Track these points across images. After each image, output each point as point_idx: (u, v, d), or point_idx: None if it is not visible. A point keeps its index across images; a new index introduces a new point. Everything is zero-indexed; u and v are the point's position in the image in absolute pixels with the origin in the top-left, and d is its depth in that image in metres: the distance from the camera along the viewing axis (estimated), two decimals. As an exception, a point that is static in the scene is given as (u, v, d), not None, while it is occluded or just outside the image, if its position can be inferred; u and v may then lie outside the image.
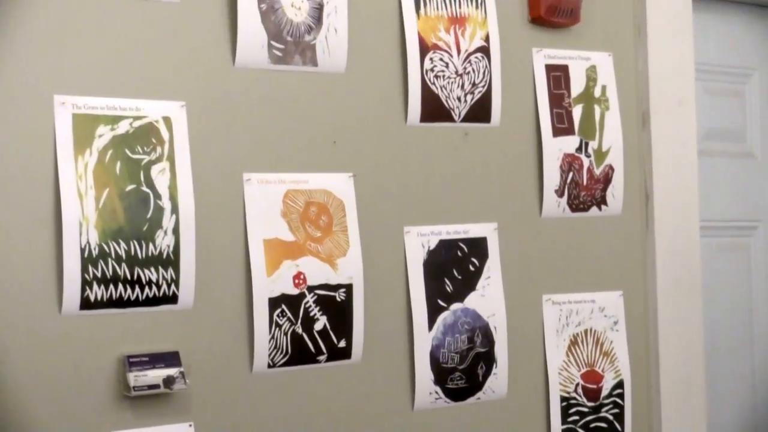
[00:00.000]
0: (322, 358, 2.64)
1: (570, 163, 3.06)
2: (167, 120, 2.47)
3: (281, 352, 2.58)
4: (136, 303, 2.41)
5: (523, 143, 3.01)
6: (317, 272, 2.64)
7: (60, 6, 2.36)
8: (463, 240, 2.88)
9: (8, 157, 2.30)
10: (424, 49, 2.83)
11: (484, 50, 2.92)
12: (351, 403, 2.69)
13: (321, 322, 2.63)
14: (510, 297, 2.94)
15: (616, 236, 3.17)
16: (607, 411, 3.08)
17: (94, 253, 2.36)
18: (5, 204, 2.29)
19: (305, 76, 2.66)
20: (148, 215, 2.43)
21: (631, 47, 3.23)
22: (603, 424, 3.07)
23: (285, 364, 2.59)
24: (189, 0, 2.51)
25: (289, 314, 2.59)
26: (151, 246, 2.42)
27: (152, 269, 2.42)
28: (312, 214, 2.65)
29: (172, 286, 2.45)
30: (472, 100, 2.90)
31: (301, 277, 2.61)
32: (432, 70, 2.83)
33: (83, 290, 2.35)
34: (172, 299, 2.45)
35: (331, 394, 2.66)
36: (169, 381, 2.41)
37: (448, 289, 2.84)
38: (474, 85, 2.90)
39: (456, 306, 2.85)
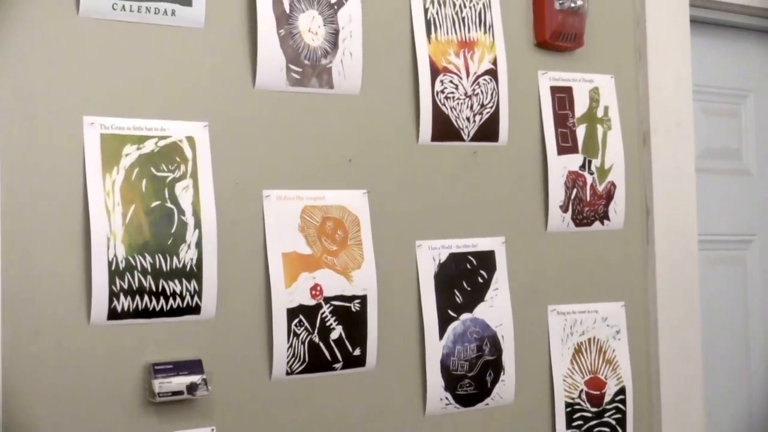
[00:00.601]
0: (337, 365, 2.63)
1: (574, 180, 3.06)
2: (190, 139, 2.47)
3: (299, 360, 2.58)
4: (161, 313, 2.41)
5: (529, 161, 3.01)
6: (333, 284, 2.63)
7: (89, 32, 2.37)
8: (472, 253, 2.87)
9: (40, 174, 2.30)
10: (435, 71, 2.83)
11: (492, 73, 2.92)
12: (365, 409, 2.69)
13: (337, 332, 2.63)
14: (517, 307, 2.93)
15: (618, 249, 3.16)
16: (609, 416, 3.07)
17: (121, 266, 2.36)
18: (37, 219, 2.29)
19: (322, 97, 2.66)
20: (173, 230, 2.43)
21: (631, 70, 3.22)
22: (606, 429, 3.06)
23: (302, 372, 2.58)
24: (211, 26, 2.51)
25: (306, 324, 2.58)
26: (175, 259, 2.42)
27: (176, 281, 2.42)
28: (328, 228, 2.64)
29: (195, 298, 2.44)
30: (480, 120, 2.90)
31: (318, 288, 2.61)
32: (442, 91, 2.83)
33: (111, 301, 2.34)
34: (195, 310, 2.45)
35: (347, 400, 2.66)
36: (192, 388, 2.40)
37: (458, 300, 2.84)
38: (482, 106, 2.90)
39: (465, 316, 2.85)
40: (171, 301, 2.41)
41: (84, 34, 2.37)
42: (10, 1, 2.27)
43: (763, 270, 3.68)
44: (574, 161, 3.06)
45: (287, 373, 2.57)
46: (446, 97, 2.84)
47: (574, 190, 3.06)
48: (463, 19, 2.89)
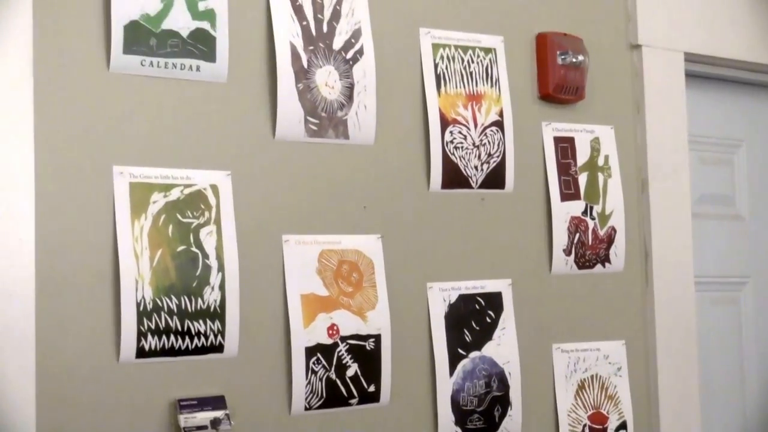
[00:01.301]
0: (353, 401, 2.62)
1: (576, 225, 3.05)
2: (214, 187, 2.47)
3: (317, 396, 2.57)
4: (186, 352, 2.40)
5: (534, 207, 3.00)
6: (349, 324, 2.62)
7: (119, 87, 2.38)
8: (481, 294, 2.87)
9: (72, 221, 2.30)
10: (445, 123, 2.83)
11: (499, 124, 2.92)
12: (380, 442, 2.68)
13: (352, 369, 2.62)
14: (523, 346, 2.92)
15: (618, 291, 3.15)
16: (612, 449, 3.07)
17: (149, 307, 2.35)
18: (70, 263, 2.29)
19: (338, 147, 2.66)
20: (197, 273, 2.42)
21: (630, 121, 3.23)
22: (608, 461, 3.06)
23: (320, 407, 2.57)
24: (234, 81, 2.52)
25: (323, 362, 2.58)
26: (199, 301, 2.42)
27: (201, 321, 2.41)
28: (344, 271, 2.64)
29: (219, 337, 2.44)
30: (488, 168, 2.90)
31: (335, 328, 2.60)
32: (452, 141, 2.83)
33: (139, 340, 2.34)
34: (219, 348, 2.44)
35: (362, 434, 2.66)
36: (215, 422, 2.39)
37: (467, 338, 2.83)
38: (490, 155, 2.90)
39: (474, 354, 2.84)
40: (196, 340, 2.41)
41: (114, 88, 2.38)
42: (47, 58, 2.28)
43: (757, 310, 3.67)
44: (576, 207, 3.06)
45: (306, 409, 2.55)
46: (455, 147, 2.84)
47: (577, 235, 3.05)
48: (471, 73, 2.90)
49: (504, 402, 2.87)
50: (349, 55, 2.69)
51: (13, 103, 2.22)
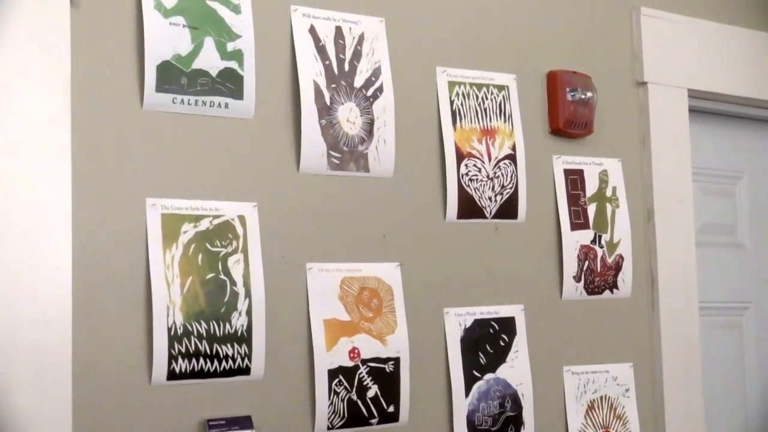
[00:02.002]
0: (373, 421, 2.61)
1: (586, 253, 3.04)
2: (241, 218, 2.47)
3: (339, 416, 2.55)
4: (215, 374, 2.39)
5: (545, 236, 2.99)
6: (369, 347, 2.61)
7: (152, 124, 2.38)
8: (495, 319, 2.85)
9: (107, 250, 2.30)
10: (460, 156, 2.83)
11: (511, 157, 2.92)
12: (399, 460, 2.67)
13: (373, 390, 2.61)
14: (535, 368, 2.90)
15: (626, 315, 3.14)
16: (620, 467, 3.05)
17: (180, 331, 2.35)
18: (105, 290, 2.29)
19: (359, 180, 2.66)
20: (225, 299, 2.42)
21: (637, 154, 3.22)
22: (617, 479, 3.04)
23: (342, 427, 2.56)
24: (260, 117, 2.52)
25: (345, 383, 2.57)
26: (227, 325, 2.41)
27: (229, 345, 2.41)
28: (365, 297, 2.63)
29: (246, 360, 2.43)
30: (501, 199, 2.89)
31: (356, 351, 2.59)
32: (467, 174, 2.83)
33: (170, 363, 2.33)
34: (246, 371, 2.43)
35: (382, 453, 2.64)
36: (242, 441, 2.40)
37: (482, 361, 2.82)
38: (503, 187, 2.89)
39: (489, 376, 2.82)
40: (224, 363, 2.40)
41: (148, 125, 2.38)
42: (85, 96, 2.29)
43: (758, 334, 3.65)
44: (585, 236, 3.05)
45: (328, 428, 2.54)
46: (470, 179, 2.83)
47: (586, 262, 3.04)
48: (485, 109, 2.89)
49: (517, 422, 2.85)
50: (370, 92, 2.69)
51: (52, 139, 2.23)
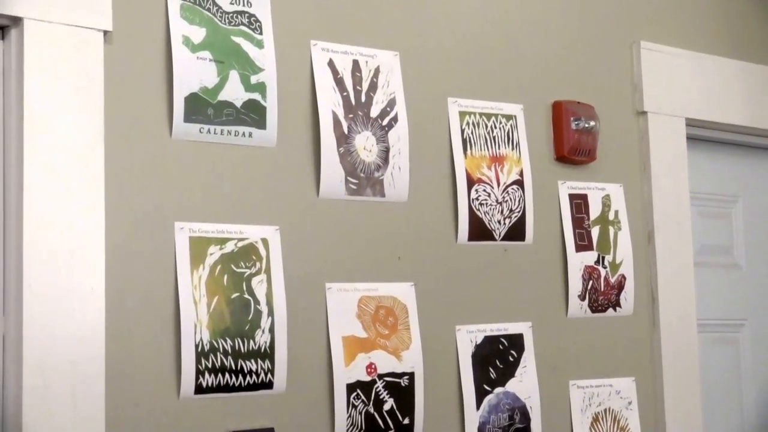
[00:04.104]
0: (389, 432, 2.61)
1: (590, 273, 3.04)
2: (265, 241, 2.47)
3: (357, 428, 2.55)
4: (240, 388, 2.39)
5: (551, 257, 2.99)
6: (386, 363, 2.61)
7: (180, 152, 2.39)
8: (504, 336, 2.85)
9: (138, 271, 2.31)
10: (471, 182, 2.82)
11: (519, 183, 2.92)
12: (414, 470, 2.66)
13: (389, 404, 2.60)
14: (542, 382, 2.89)
15: (628, 332, 3.13)
16: (623, 476, 3.04)
17: (206, 348, 2.35)
18: (136, 309, 2.29)
19: (375, 204, 2.66)
20: (249, 317, 2.42)
21: (637, 180, 3.21)
22: (621, 487, 3.03)
23: (360, 438, 2.56)
24: (282, 145, 2.53)
25: (363, 397, 2.56)
26: (251, 342, 2.41)
27: (252, 361, 2.40)
28: (381, 315, 2.63)
29: (269, 375, 2.43)
30: (509, 222, 2.89)
31: (373, 366, 2.59)
32: (477, 199, 2.83)
33: (197, 378, 2.33)
34: (269, 385, 2.43)
35: (398, 463, 2.63)
36: (266, 452, 2.39)
37: (492, 375, 2.81)
38: (511, 210, 2.89)
39: (499, 390, 2.81)
40: (248, 377, 2.40)
41: (176, 153, 2.38)
42: (116, 126, 2.30)
43: (754, 350, 3.64)
44: (589, 257, 3.05)
45: (347, 440, 2.55)
46: (480, 204, 2.83)
47: (590, 282, 3.04)
48: (494, 138, 2.89)
49: (525, 433, 2.85)
50: (385, 121, 2.69)
51: (86, 167, 2.23)
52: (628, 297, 3.12)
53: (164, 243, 2.35)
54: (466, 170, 2.83)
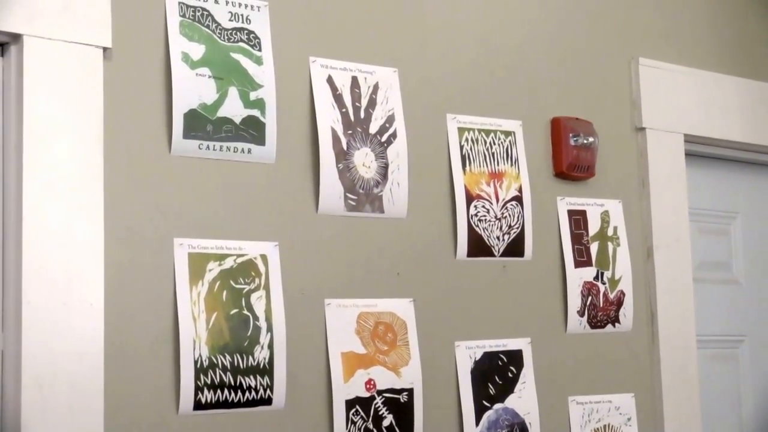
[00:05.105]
0: (389, 449, 2.60)
1: (589, 289, 3.03)
2: (264, 257, 2.46)
3: (356, 444, 2.55)
4: (239, 404, 2.38)
5: (550, 273, 2.98)
6: (385, 379, 2.60)
7: (179, 168, 2.38)
8: (503, 352, 2.84)
9: (137, 287, 2.30)
10: (470, 198, 2.82)
11: (518, 199, 2.91)
12: (413, 486, 2.65)
13: (388, 420, 2.59)
14: (542, 398, 2.88)
15: (627, 348, 3.12)
16: (623, 492, 3.03)
17: (205, 364, 2.34)
18: (135, 325, 2.29)
19: (374, 220, 2.65)
20: (248, 333, 2.41)
21: (636, 196, 3.21)
22: (620, 503, 3.02)
23: (359, 454, 2.55)
24: (281, 162, 2.52)
25: (362, 413, 2.55)
26: (250, 358, 2.40)
27: (251, 377, 2.40)
28: (380, 331, 2.62)
29: (268, 391, 2.42)
30: (508, 238, 2.88)
31: (372, 383, 2.58)
32: (476, 215, 2.82)
33: (196, 394, 2.32)
34: (268, 401, 2.42)
35: (397, 479, 2.62)
36: (264, 468, 2.38)
37: (491, 392, 2.80)
38: (510, 227, 2.89)
39: (498, 406, 2.80)
40: (247, 393, 2.39)
41: (175, 169, 2.38)
42: (116, 143, 2.29)
43: (753, 366, 3.63)
44: (588, 273, 3.04)
45: (346, 456, 2.53)
46: (479, 220, 2.83)
47: (589, 298, 3.03)
48: (493, 154, 2.89)
49: (525, 449, 2.84)
50: (384, 138, 2.69)
51: (85, 183, 2.23)
52: (627, 313, 3.11)
53: (163, 259, 2.34)
54: (465, 186, 2.83)
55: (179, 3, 2.42)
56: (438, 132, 2.82)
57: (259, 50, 2.52)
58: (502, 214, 2.88)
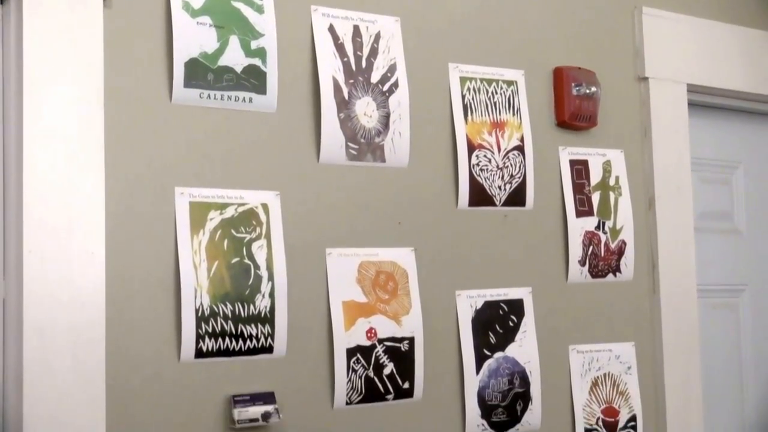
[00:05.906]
0: (389, 396, 2.60)
1: (590, 239, 3.02)
2: (265, 206, 2.46)
3: (357, 392, 2.54)
4: (240, 353, 2.38)
5: (552, 223, 2.97)
6: (385, 327, 2.60)
7: (180, 117, 2.37)
8: (504, 301, 2.84)
9: (138, 236, 2.30)
10: (471, 148, 2.81)
11: (520, 148, 2.90)
12: (413, 434, 2.66)
13: (389, 368, 2.60)
14: (542, 347, 2.89)
15: (628, 298, 3.12)
16: (622, 440, 3.04)
17: (206, 312, 2.34)
18: (136, 274, 2.29)
19: (375, 170, 2.64)
20: (249, 282, 2.41)
21: (638, 145, 3.19)
22: (620, 451, 3.03)
23: (360, 402, 2.55)
24: (282, 111, 2.51)
25: (363, 361, 2.55)
26: (251, 307, 2.40)
27: (252, 325, 2.40)
28: (381, 280, 2.62)
29: (269, 339, 2.42)
30: (510, 188, 2.87)
31: (373, 331, 2.58)
32: (478, 164, 2.81)
33: (197, 343, 2.33)
34: (269, 350, 2.42)
35: (397, 426, 2.62)
36: (266, 416, 2.38)
37: (492, 340, 2.80)
38: (512, 176, 2.87)
39: (498, 354, 2.81)
40: (248, 342, 2.39)
41: (176, 118, 2.37)
42: (116, 92, 2.28)
43: (754, 315, 3.63)
44: (590, 223, 3.03)
45: (347, 403, 2.53)
46: (481, 169, 2.81)
47: (591, 248, 3.02)
48: (495, 103, 2.87)
49: (525, 398, 2.84)
50: (386, 87, 2.67)
51: (85, 132, 2.22)
52: (628, 262, 3.11)
53: (164, 208, 2.34)
54: (467, 136, 2.81)
55: (179, -49, 2.40)
56: (440, 81, 2.80)
57: (260, -1, 2.50)
58: (504, 163, 2.86)
